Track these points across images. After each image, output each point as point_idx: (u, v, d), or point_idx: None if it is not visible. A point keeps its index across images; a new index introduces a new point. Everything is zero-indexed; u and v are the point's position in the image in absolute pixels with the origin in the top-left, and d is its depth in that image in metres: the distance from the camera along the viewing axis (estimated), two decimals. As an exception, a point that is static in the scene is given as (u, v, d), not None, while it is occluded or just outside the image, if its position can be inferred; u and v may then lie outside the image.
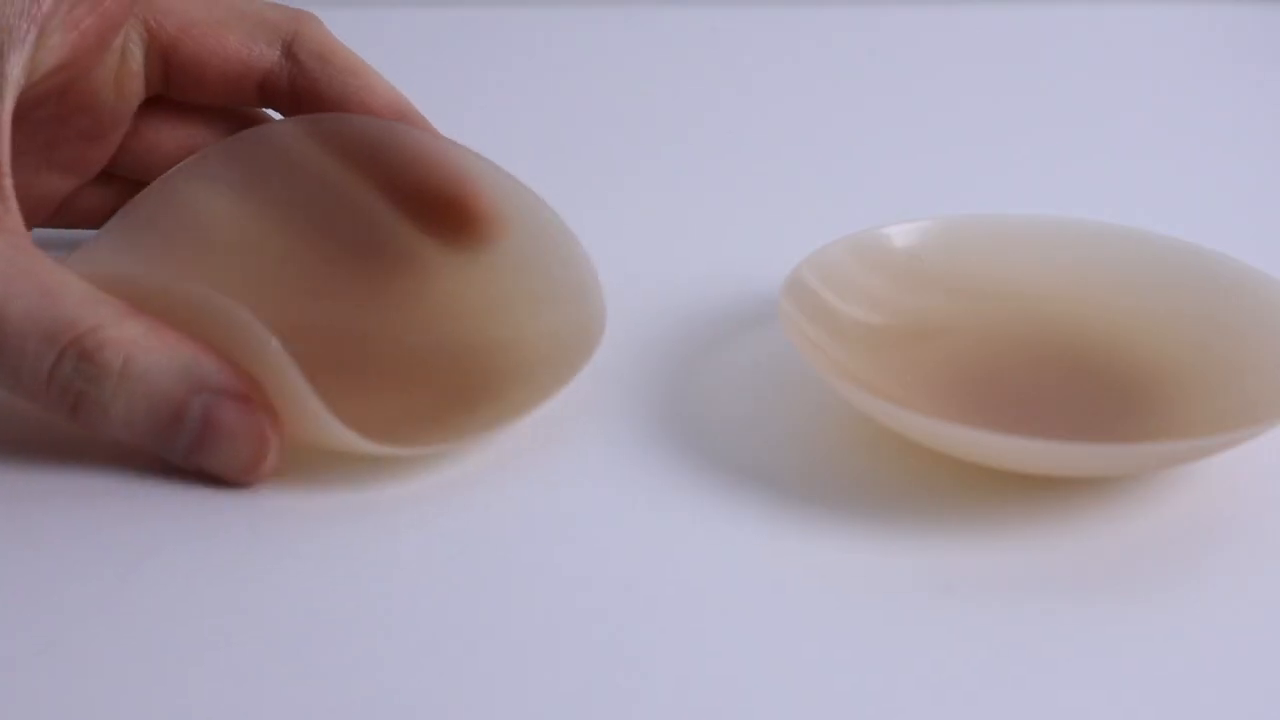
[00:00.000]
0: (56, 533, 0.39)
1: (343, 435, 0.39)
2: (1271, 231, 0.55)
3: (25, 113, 0.45)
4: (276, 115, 0.50)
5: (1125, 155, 0.62)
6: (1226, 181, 0.60)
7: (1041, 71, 0.70)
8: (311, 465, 0.41)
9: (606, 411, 0.44)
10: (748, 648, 0.36)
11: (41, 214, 0.49)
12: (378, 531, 0.40)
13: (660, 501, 0.41)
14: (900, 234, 0.47)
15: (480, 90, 0.49)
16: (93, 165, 0.49)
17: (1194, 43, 0.74)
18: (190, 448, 0.40)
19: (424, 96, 0.49)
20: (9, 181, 0.41)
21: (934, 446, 0.41)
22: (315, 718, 0.34)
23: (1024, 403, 0.44)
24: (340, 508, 0.40)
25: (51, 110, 0.46)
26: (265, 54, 0.48)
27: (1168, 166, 0.61)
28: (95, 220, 0.49)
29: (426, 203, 0.47)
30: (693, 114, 0.64)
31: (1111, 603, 0.38)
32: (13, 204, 0.41)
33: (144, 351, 0.39)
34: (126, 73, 0.48)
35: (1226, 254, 0.46)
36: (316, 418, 0.39)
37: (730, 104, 0.65)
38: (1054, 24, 0.74)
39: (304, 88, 0.48)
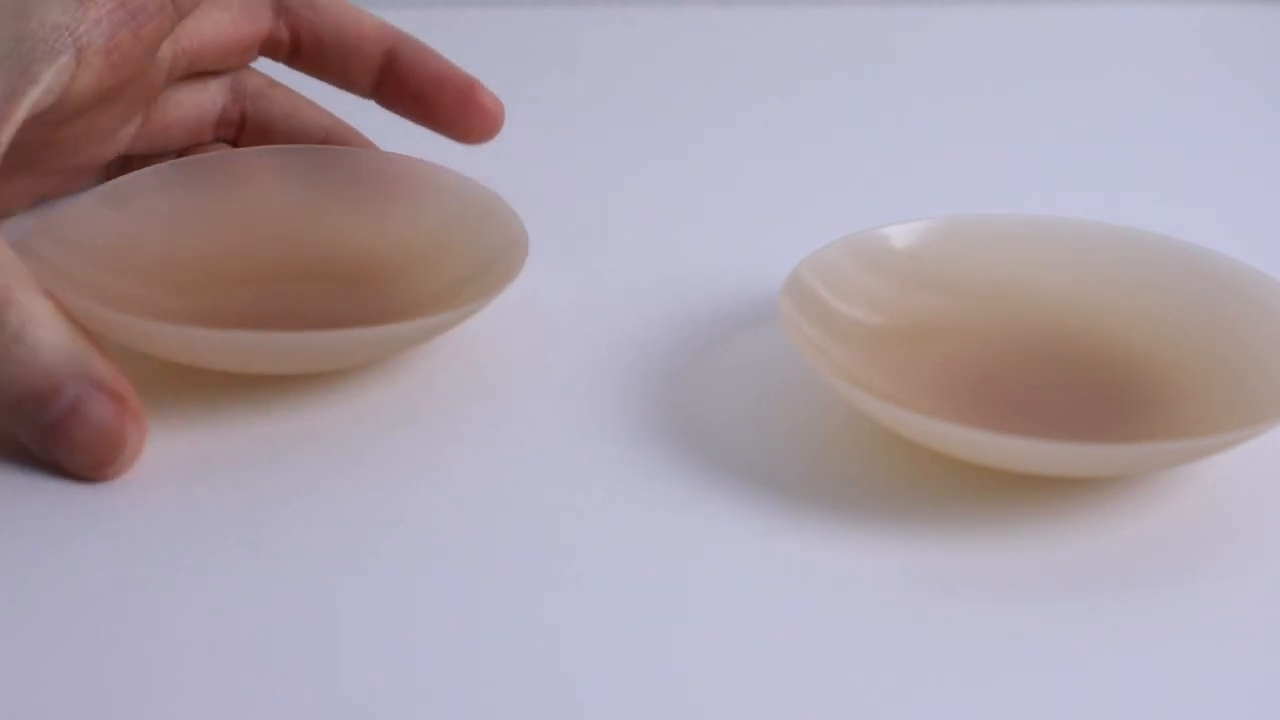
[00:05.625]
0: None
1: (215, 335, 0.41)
2: (1271, 231, 0.55)
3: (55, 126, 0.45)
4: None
5: (1125, 155, 0.62)
6: (1226, 181, 0.60)
7: (1041, 71, 0.70)
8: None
9: (605, 411, 0.44)
10: (746, 648, 0.36)
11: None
12: (369, 538, 0.40)
13: (659, 501, 0.41)
14: (900, 234, 0.47)
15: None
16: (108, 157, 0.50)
17: (1194, 43, 0.74)
18: (47, 429, 0.39)
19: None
20: None
21: (933, 446, 0.41)
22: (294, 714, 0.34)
23: (1023, 403, 0.44)
24: (326, 524, 0.40)
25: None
26: (262, 17, 0.51)
27: (1167, 166, 0.61)
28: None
29: None
30: (692, 114, 0.64)
31: (1111, 603, 0.38)
32: None
33: (42, 325, 0.39)
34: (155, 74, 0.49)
35: (1226, 254, 0.46)
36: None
37: (730, 104, 0.65)
38: (1054, 24, 0.74)
39: (303, 35, 0.51)
